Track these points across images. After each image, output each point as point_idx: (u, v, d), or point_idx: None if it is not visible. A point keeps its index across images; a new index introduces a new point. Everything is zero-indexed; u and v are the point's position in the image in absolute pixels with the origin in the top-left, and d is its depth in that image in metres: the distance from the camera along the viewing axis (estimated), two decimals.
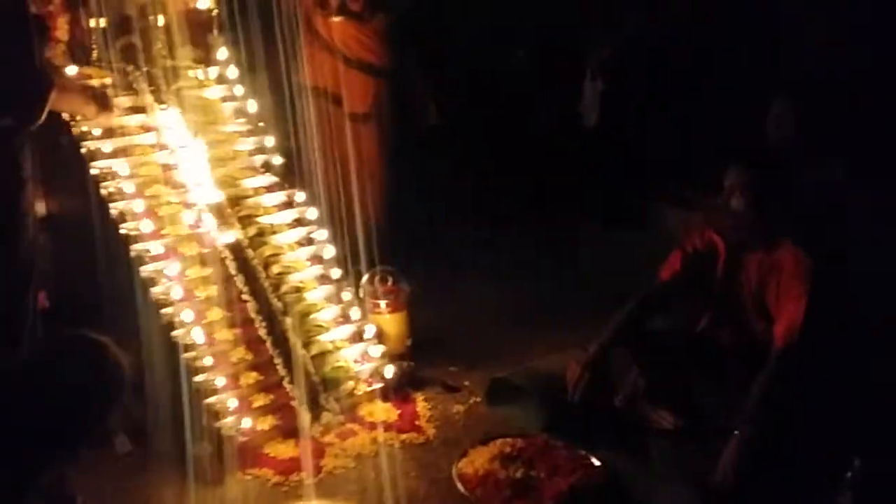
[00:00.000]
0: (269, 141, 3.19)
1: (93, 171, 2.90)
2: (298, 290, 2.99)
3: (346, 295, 3.06)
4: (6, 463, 1.67)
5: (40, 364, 1.81)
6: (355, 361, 2.98)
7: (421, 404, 3.01)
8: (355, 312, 3.06)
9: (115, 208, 2.86)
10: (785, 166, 2.74)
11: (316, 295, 3.02)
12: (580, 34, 4.96)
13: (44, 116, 2.45)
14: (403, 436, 2.83)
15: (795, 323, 2.55)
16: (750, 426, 2.48)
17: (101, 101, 2.86)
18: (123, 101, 3.04)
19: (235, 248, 2.95)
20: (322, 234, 3.10)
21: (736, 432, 2.49)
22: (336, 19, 3.66)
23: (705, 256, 2.79)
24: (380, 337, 3.09)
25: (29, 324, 2.48)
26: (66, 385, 1.75)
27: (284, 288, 2.96)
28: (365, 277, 3.23)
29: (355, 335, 3.02)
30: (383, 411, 2.93)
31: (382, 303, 3.19)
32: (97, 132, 2.95)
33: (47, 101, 2.43)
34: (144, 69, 3.13)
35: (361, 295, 3.20)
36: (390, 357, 3.07)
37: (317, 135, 3.44)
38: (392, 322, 3.18)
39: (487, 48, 4.93)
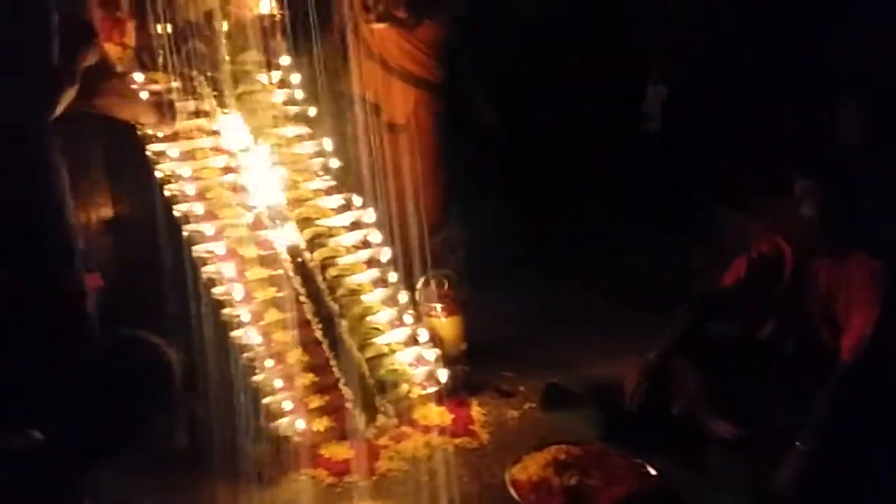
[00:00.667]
0: (328, 144, 3.22)
1: (157, 174, 2.97)
2: (355, 292, 3.01)
3: (402, 298, 3.07)
4: (56, 460, 1.71)
5: (91, 363, 1.85)
6: (410, 365, 2.99)
7: (475, 409, 3.00)
8: (411, 316, 3.07)
9: (177, 210, 2.92)
10: (856, 172, 2.67)
11: (372, 298, 3.03)
12: (644, 34, 4.90)
13: (53, 114, 2.48)
14: (457, 440, 2.82)
15: (864, 335, 2.48)
16: (813, 439, 2.41)
17: (164, 109, 2.92)
18: (187, 105, 3.10)
19: (293, 251, 2.99)
20: (378, 237, 3.12)
21: (798, 444, 2.43)
22: (379, 26, 3.52)
23: (771, 263, 2.73)
24: (435, 340, 3.09)
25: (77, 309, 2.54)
26: (116, 384, 1.79)
27: (341, 290, 2.98)
28: (421, 281, 3.23)
29: (410, 338, 3.03)
30: (437, 415, 2.93)
31: (438, 306, 3.18)
32: (161, 135, 3.02)
33: (56, 100, 2.45)
34: (208, 74, 3.20)
35: (417, 298, 3.20)
36: (445, 361, 3.07)
37: (361, 143, 3.44)
38: (447, 326, 3.18)
39: (548, 49, 4.89)
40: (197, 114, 3.13)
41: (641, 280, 3.79)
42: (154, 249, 2.92)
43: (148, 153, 2.99)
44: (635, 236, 4.22)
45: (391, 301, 3.06)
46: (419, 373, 2.99)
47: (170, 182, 2.97)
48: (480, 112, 4.29)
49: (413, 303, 3.16)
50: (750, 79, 4.34)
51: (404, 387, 2.95)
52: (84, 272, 2.63)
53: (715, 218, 4.19)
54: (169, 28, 3.19)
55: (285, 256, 2.97)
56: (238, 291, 2.82)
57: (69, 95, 2.55)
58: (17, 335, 2.31)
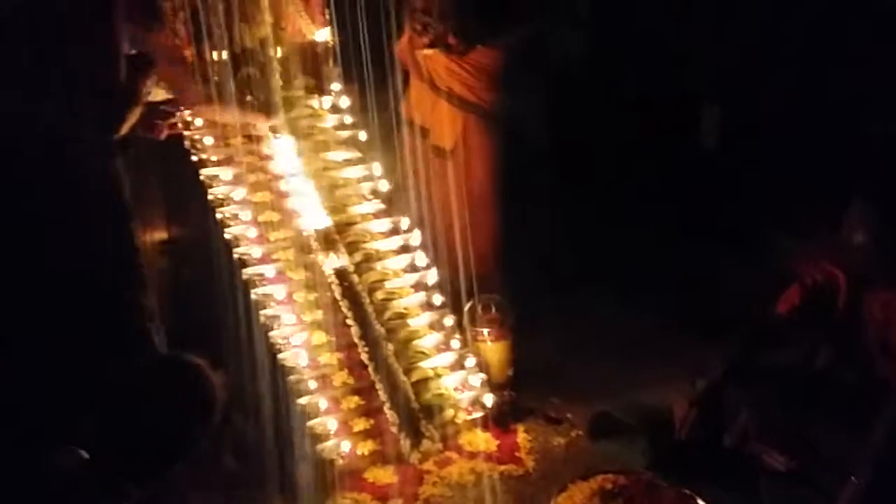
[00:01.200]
0: (377, 168, 3.25)
1: (209, 197, 3.03)
2: (402, 316, 3.01)
3: (449, 322, 3.07)
4: (98, 482, 1.74)
5: (133, 385, 1.89)
6: (456, 389, 2.97)
7: (521, 435, 2.97)
8: (457, 340, 3.06)
9: (229, 233, 2.98)
10: None
11: (419, 321, 3.03)
12: (699, 53, 4.85)
13: (119, 131, 2.64)
14: (502, 467, 2.80)
15: None
16: (870, 473, 2.32)
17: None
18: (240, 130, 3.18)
19: (341, 274, 3.01)
20: (425, 260, 3.12)
21: (854, 478, 2.34)
22: (427, 52, 3.49)
23: (825, 290, 2.65)
24: (481, 365, 3.08)
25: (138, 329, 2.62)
26: (155, 404, 1.82)
27: (388, 314, 2.99)
28: (468, 305, 3.22)
29: (457, 363, 3.02)
30: (483, 441, 2.91)
31: (485, 331, 3.17)
32: (215, 159, 3.09)
33: (122, 121, 2.62)
34: (261, 99, 3.26)
35: (464, 322, 3.19)
36: (491, 386, 3.05)
37: (410, 166, 3.45)
38: (494, 350, 3.16)
39: (601, 70, 4.87)
40: (250, 138, 3.20)
41: (693, 306, 3.73)
42: (206, 272, 2.99)
43: (202, 177, 3.07)
44: (688, 260, 4.15)
45: (438, 325, 3.06)
46: (465, 398, 2.97)
47: (222, 205, 3.03)
48: (533, 134, 4.27)
49: (460, 327, 3.15)
50: (806, 100, 4.27)
51: (450, 412, 2.93)
52: (142, 291, 2.72)
53: (769, 243, 4.11)
54: (225, 55, 3.28)
55: (333, 279, 2.99)
56: (286, 314, 2.86)
57: (134, 115, 2.67)
58: (69, 353, 2.40)
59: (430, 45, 3.48)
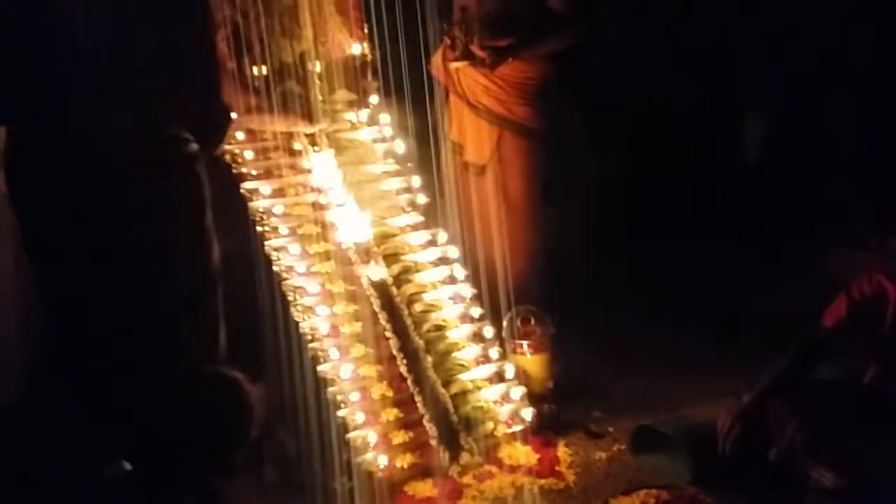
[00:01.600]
0: (416, 181, 3.25)
1: (250, 210, 3.06)
2: (440, 328, 3.01)
3: (488, 334, 3.06)
4: (144, 489, 1.76)
5: (172, 398, 1.91)
6: (495, 402, 2.96)
7: (562, 449, 2.94)
8: (497, 352, 3.05)
9: (269, 246, 3.00)
10: None
11: (457, 334, 3.03)
12: (744, 62, 4.78)
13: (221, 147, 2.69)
14: (543, 481, 2.77)
15: None
16: None
17: None
18: (280, 143, 3.21)
19: (380, 286, 3.02)
20: (463, 273, 3.11)
21: None
22: (456, 65, 3.44)
23: (873, 302, 2.60)
24: (521, 378, 3.06)
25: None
26: (194, 419, 1.83)
27: (426, 326, 2.99)
28: (507, 317, 3.20)
29: (496, 375, 3.01)
30: (523, 454, 2.89)
31: (524, 343, 3.15)
32: (255, 173, 3.12)
33: (226, 134, 2.64)
34: (301, 113, 3.29)
35: (503, 334, 3.18)
36: (531, 399, 3.03)
37: (447, 181, 3.44)
38: (534, 363, 3.14)
39: (641, 81, 4.83)
40: (289, 152, 3.23)
41: (738, 317, 3.67)
42: (246, 284, 3.01)
43: (242, 190, 3.10)
44: (732, 272, 4.09)
45: (477, 337, 3.05)
46: (505, 411, 2.95)
47: (262, 218, 3.06)
48: (569, 147, 4.24)
49: (499, 339, 3.13)
50: (855, 109, 4.19)
51: (489, 425, 2.92)
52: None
53: (817, 253, 4.04)
54: (264, 70, 3.32)
55: (372, 292, 3.00)
56: (325, 326, 2.87)
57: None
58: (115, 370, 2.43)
59: (458, 59, 3.43)
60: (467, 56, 3.40)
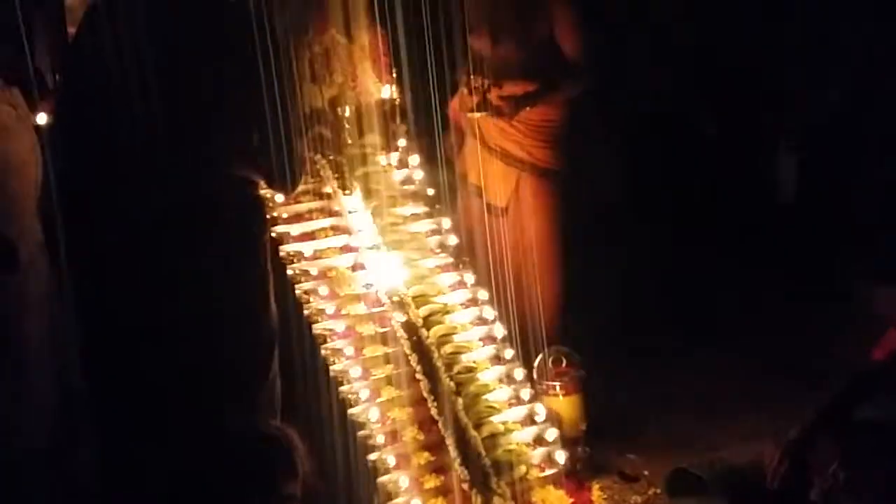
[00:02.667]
0: (446, 222, 3.26)
1: (280, 254, 3.08)
2: (471, 369, 2.98)
3: (519, 375, 3.03)
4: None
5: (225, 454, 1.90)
6: (527, 445, 2.91)
7: (596, 493, 2.90)
8: (528, 394, 3.01)
9: (299, 289, 3.01)
10: None
11: (488, 375, 2.99)
12: (775, 93, 4.76)
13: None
14: None
15: None
16: None
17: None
18: (310, 187, 3.24)
19: (410, 328, 3.01)
20: (492, 313, 3.10)
21: None
22: (474, 115, 3.46)
23: None
24: (553, 420, 3.01)
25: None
26: (236, 472, 1.83)
27: (457, 367, 2.96)
28: (538, 358, 3.18)
29: (528, 417, 2.96)
30: (556, 498, 2.83)
31: (556, 384, 3.12)
32: (286, 216, 3.15)
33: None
34: (331, 157, 3.32)
35: (535, 376, 3.14)
36: (564, 441, 2.98)
37: (468, 223, 3.44)
38: (566, 405, 3.10)
39: (673, 115, 4.82)
40: (319, 195, 3.25)
41: (777, 355, 3.61)
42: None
43: (273, 234, 3.12)
44: (769, 308, 4.03)
45: (508, 379, 3.01)
46: (537, 454, 2.91)
47: (292, 262, 3.07)
48: (591, 188, 4.22)
49: (531, 380, 3.10)
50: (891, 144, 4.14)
51: (521, 468, 2.86)
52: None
53: (859, 288, 3.96)
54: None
55: (402, 333, 2.99)
56: (355, 369, 2.86)
57: None
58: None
59: (478, 109, 3.46)
60: (485, 106, 3.44)
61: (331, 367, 2.87)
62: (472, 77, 3.46)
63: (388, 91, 3.50)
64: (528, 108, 3.47)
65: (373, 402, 2.85)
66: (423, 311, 3.05)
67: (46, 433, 2.97)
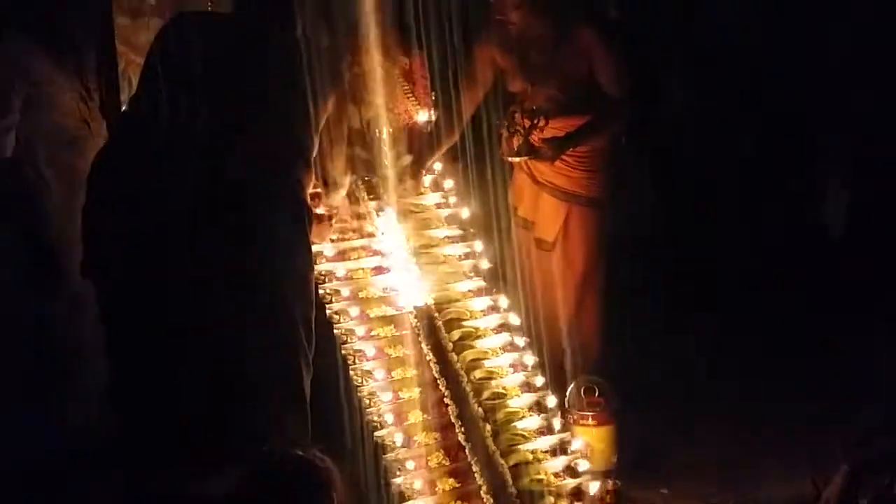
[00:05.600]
0: (479, 246, 3.23)
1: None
2: (500, 396, 2.93)
3: (550, 404, 2.97)
4: None
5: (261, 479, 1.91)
6: (556, 475, 2.84)
7: None
8: (559, 423, 2.95)
9: (330, 308, 3.00)
10: None
11: (518, 403, 2.94)
12: (820, 127, 4.68)
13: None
14: None
15: None
16: None
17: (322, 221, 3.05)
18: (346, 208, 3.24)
19: (439, 351, 2.97)
20: (525, 340, 3.05)
21: None
22: (514, 160, 3.44)
23: None
24: (584, 451, 2.95)
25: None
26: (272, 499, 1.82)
27: (486, 394, 2.91)
28: (570, 387, 3.12)
29: (558, 447, 2.90)
30: None
31: (588, 415, 3.05)
32: None
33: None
34: (366, 178, 3.33)
35: (567, 405, 3.09)
36: (595, 473, 2.91)
37: (515, 254, 3.41)
38: (598, 436, 3.04)
39: (721, 152, 4.76)
40: (354, 216, 3.25)
41: (815, 392, 3.51)
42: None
43: None
44: (809, 341, 3.93)
45: (538, 407, 2.95)
46: (566, 485, 2.84)
47: (324, 282, 3.07)
48: (640, 220, 4.17)
49: (562, 410, 3.04)
50: None
51: (550, 499, 2.80)
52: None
53: None
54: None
55: (431, 357, 2.95)
56: (383, 391, 2.83)
57: None
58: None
59: (520, 154, 3.41)
60: (528, 151, 3.39)
61: (359, 389, 2.84)
62: (512, 119, 3.40)
63: (426, 114, 3.51)
64: (570, 150, 3.42)
65: (399, 425, 2.81)
66: (454, 334, 3.02)
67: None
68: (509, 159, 3.47)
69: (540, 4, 3.35)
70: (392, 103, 3.50)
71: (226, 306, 2.55)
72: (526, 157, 3.41)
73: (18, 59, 3.37)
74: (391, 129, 3.38)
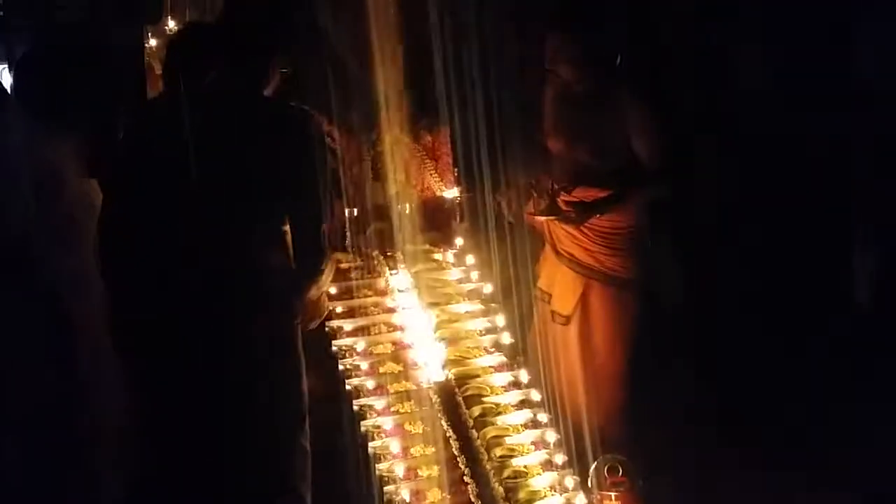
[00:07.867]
0: (500, 320, 3.21)
1: (333, 349, 3.08)
2: (522, 475, 2.87)
3: (570, 483, 2.90)
4: None
5: None
6: None
7: None
8: (581, 502, 2.88)
9: (349, 384, 2.99)
10: None
11: (540, 482, 2.88)
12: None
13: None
14: None
15: None
16: None
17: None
18: (366, 282, 3.27)
19: (459, 428, 2.93)
20: (546, 416, 3.00)
21: None
22: (540, 219, 3.41)
23: None
24: None
25: None
26: None
27: (507, 472, 2.86)
28: (593, 466, 3.04)
29: None
30: None
31: (612, 494, 2.97)
32: (339, 310, 3.15)
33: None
34: (388, 253, 3.35)
35: (589, 485, 3.01)
36: None
37: (532, 328, 3.38)
38: None
39: (740, 215, 4.71)
40: (375, 291, 3.26)
41: (852, 469, 3.38)
42: (326, 423, 3.00)
43: (326, 328, 3.13)
44: (838, 418, 3.81)
45: (560, 486, 2.88)
46: None
47: (344, 356, 3.06)
48: (664, 296, 4.11)
49: (584, 490, 2.96)
50: None
51: None
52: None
53: None
54: (356, 211, 3.43)
55: (451, 434, 2.91)
56: (401, 469, 2.79)
57: None
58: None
59: (545, 213, 3.41)
60: (553, 211, 3.36)
61: (377, 465, 2.80)
62: (540, 181, 3.42)
63: (450, 191, 3.55)
64: (597, 216, 3.38)
65: (418, 503, 2.76)
66: (475, 410, 2.98)
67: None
68: (535, 218, 3.44)
69: (591, 61, 3.30)
70: (414, 179, 3.56)
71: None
72: (550, 218, 3.38)
73: None
74: (414, 205, 3.42)
